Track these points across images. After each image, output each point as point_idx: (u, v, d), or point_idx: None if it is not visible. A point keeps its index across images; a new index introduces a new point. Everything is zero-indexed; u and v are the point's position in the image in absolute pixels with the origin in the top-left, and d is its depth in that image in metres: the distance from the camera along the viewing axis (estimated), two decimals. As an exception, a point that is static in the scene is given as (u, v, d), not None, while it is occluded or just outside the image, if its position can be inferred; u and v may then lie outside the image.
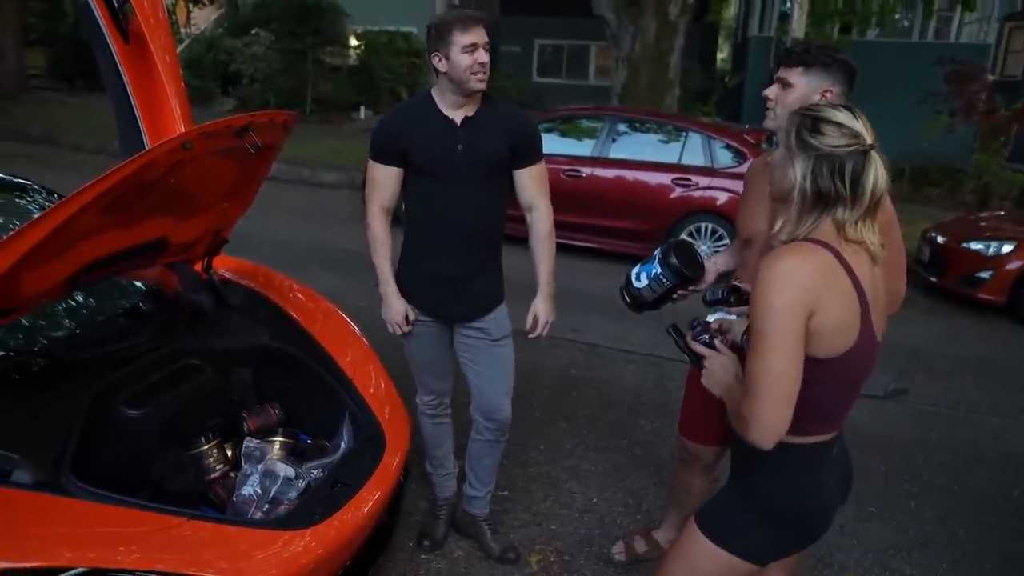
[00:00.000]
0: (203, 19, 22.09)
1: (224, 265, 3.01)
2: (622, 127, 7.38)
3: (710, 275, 2.25)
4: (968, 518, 3.29)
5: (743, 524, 1.62)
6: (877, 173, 1.42)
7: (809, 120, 1.45)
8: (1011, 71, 18.62)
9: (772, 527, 1.60)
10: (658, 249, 2.14)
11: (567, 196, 6.83)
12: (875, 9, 13.72)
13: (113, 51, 2.56)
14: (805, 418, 1.46)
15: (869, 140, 1.42)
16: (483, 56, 2.24)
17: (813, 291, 1.39)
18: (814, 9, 12.52)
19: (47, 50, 18.34)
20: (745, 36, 19.42)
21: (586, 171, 7.07)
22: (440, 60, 2.27)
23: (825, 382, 1.46)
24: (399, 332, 2.52)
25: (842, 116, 1.43)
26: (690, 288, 2.18)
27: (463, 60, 2.23)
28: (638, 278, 2.14)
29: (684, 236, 6.80)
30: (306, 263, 6.06)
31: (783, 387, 1.40)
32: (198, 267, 2.84)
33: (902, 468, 3.67)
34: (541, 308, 2.54)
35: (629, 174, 7.05)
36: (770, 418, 1.41)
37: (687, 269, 2.08)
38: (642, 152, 7.14)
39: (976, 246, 6.43)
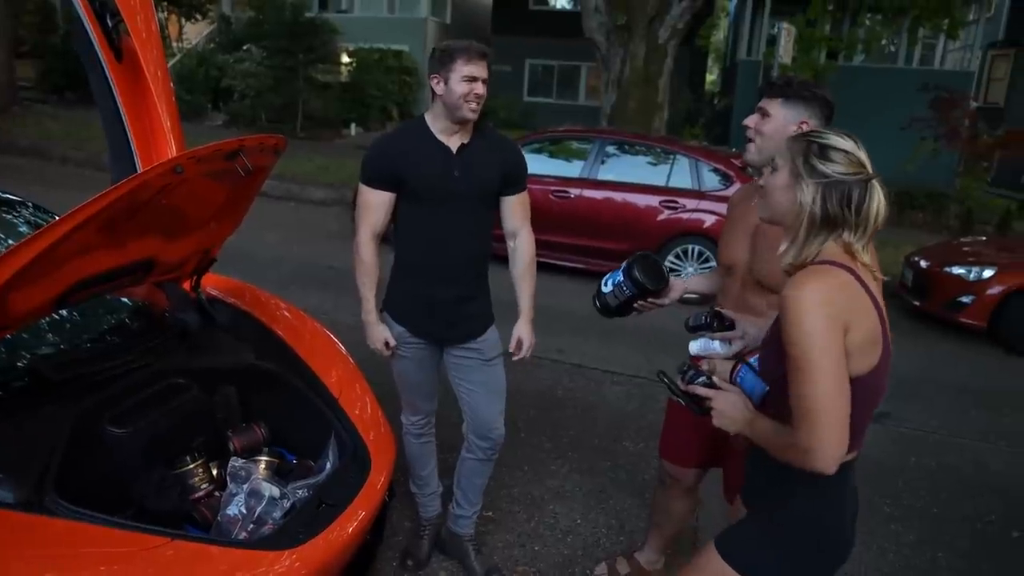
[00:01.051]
0: (195, 34, 22.19)
1: (212, 283, 3.01)
2: (611, 149, 7.46)
3: (675, 292, 2.30)
4: (947, 542, 3.32)
5: (775, 557, 1.59)
6: (879, 202, 1.46)
7: (817, 146, 1.47)
8: (994, 98, 18.99)
9: (806, 555, 1.58)
10: (628, 259, 2.24)
11: (555, 217, 6.91)
12: (861, 36, 13.97)
13: (105, 69, 2.58)
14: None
15: (870, 170, 1.46)
16: (480, 88, 2.29)
17: (843, 309, 1.40)
18: (801, 35, 12.72)
19: (38, 62, 18.35)
20: (734, 60, 19.68)
21: (574, 192, 7.14)
22: (438, 83, 2.31)
23: (857, 400, 1.45)
24: (385, 355, 2.55)
25: (848, 144, 1.47)
26: (650, 300, 2.25)
27: (460, 88, 2.27)
28: (605, 284, 2.25)
29: (671, 258, 6.87)
30: (293, 280, 6.08)
31: (838, 408, 1.40)
32: (186, 286, 2.85)
33: (883, 491, 3.71)
34: (524, 331, 2.60)
35: (617, 196, 7.12)
36: (832, 441, 1.39)
37: (648, 282, 2.17)
38: (630, 174, 7.22)
39: (958, 271, 6.52)
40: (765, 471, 1.60)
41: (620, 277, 2.20)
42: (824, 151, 1.46)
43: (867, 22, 15.78)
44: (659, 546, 2.80)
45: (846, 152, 1.45)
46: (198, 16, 22.06)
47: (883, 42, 16.89)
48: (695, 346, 1.98)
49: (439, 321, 2.51)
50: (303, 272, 6.49)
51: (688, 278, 2.44)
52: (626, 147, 7.60)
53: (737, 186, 6.03)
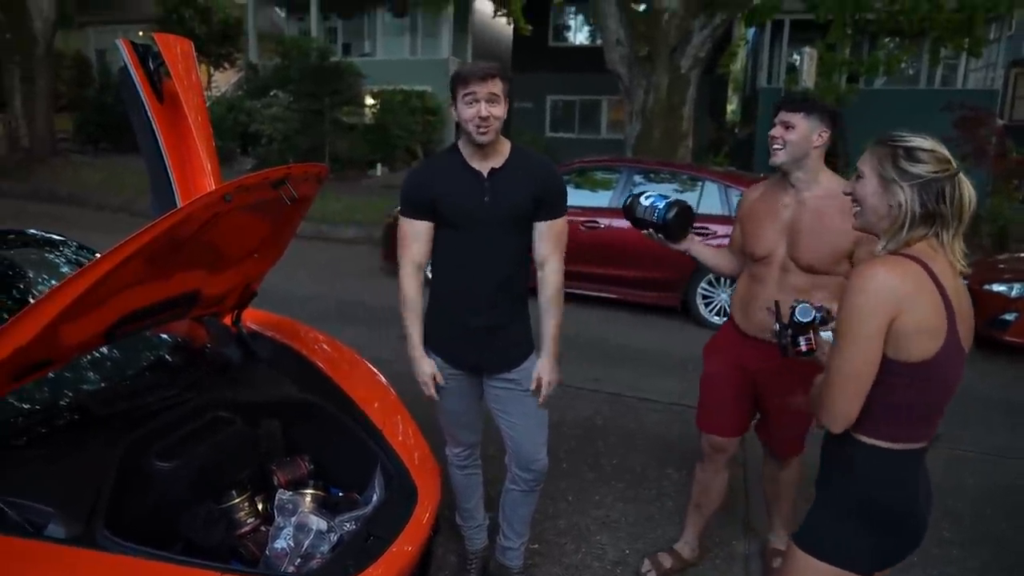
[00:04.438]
0: (224, 82, 22.75)
1: (251, 318, 3.03)
2: (638, 178, 7.44)
3: (683, 245, 2.67)
4: (1011, 566, 3.19)
5: (841, 532, 1.66)
6: (970, 192, 1.56)
7: (903, 150, 1.56)
8: (1020, 115, 18.79)
9: (868, 530, 1.64)
10: (673, 200, 2.59)
11: (586, 247, 6.87)
12: (882, 59, 13.93)
13: (148, 111, 2.64)
14: (894, 421, 1.59)
15: (955, 165, 1.55)
16: (483, 110, 2.22)
17: (897, 295, 1.49)
18: (822, 59, 12.71)
19: (74, 114, 18.95)
20: (754, 88, 19.72)
21: (604, 222, 7.11)
22: (453, 108, 2.32)
23: (912, 385, 1.56)
24: (430, 392, 2.48)
25: (931, 143, 1.56)
26: (660, 236, 2.61)
27: (464, 112, 2.25)
28: (647, 197, 2.61)
29: (704, 284, 6.81)
30: (328, 317, 6.10)
31: (854, 380, 1.54)
32: (227, 320, 2.86)
33: (940, 515, 3.57)
34: (545, 369, 2.47)
35: (647, 224, 7.07)
36: (838, 405, 1.57)
37: (677, 229, 2.53)
38: (659, 202, 7.17)
39: (999, 288, 6.37)
40: (825, 451, 1.73)
41: (660, 206, 2.50)
42: (911, 154, 1.54)
43: (887, 45, 15.76)
44: (698, 530, 2.97)
45: (932, 152, 1.54)
46: (226, 65, 22.68)
47: (903, 64, 16.82)
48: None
49: (474, 349, 2.47)
50: (337, 309, 6.52)
51: (701, 243, 2.76)
52: (653, 175, 7.58)
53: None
